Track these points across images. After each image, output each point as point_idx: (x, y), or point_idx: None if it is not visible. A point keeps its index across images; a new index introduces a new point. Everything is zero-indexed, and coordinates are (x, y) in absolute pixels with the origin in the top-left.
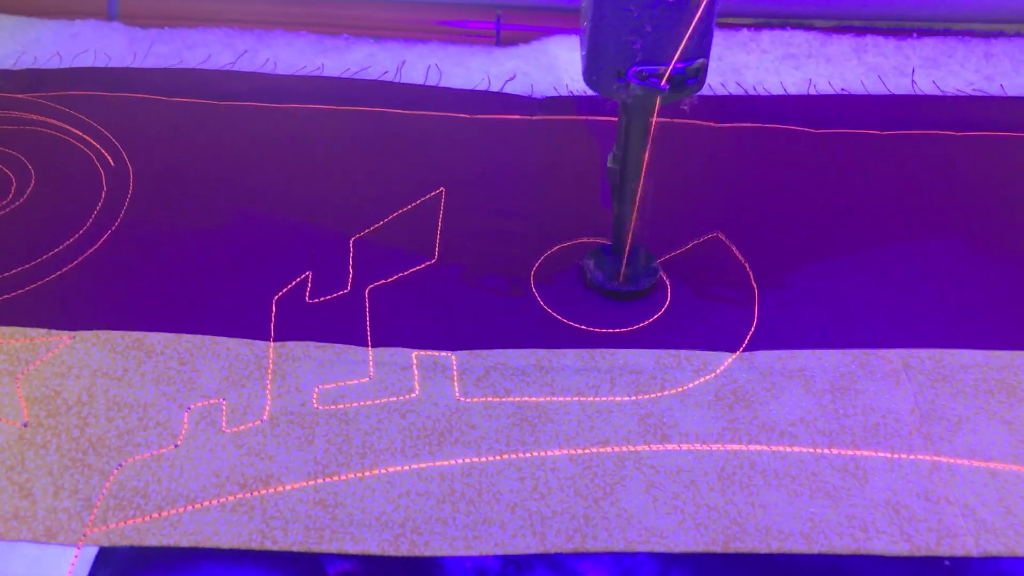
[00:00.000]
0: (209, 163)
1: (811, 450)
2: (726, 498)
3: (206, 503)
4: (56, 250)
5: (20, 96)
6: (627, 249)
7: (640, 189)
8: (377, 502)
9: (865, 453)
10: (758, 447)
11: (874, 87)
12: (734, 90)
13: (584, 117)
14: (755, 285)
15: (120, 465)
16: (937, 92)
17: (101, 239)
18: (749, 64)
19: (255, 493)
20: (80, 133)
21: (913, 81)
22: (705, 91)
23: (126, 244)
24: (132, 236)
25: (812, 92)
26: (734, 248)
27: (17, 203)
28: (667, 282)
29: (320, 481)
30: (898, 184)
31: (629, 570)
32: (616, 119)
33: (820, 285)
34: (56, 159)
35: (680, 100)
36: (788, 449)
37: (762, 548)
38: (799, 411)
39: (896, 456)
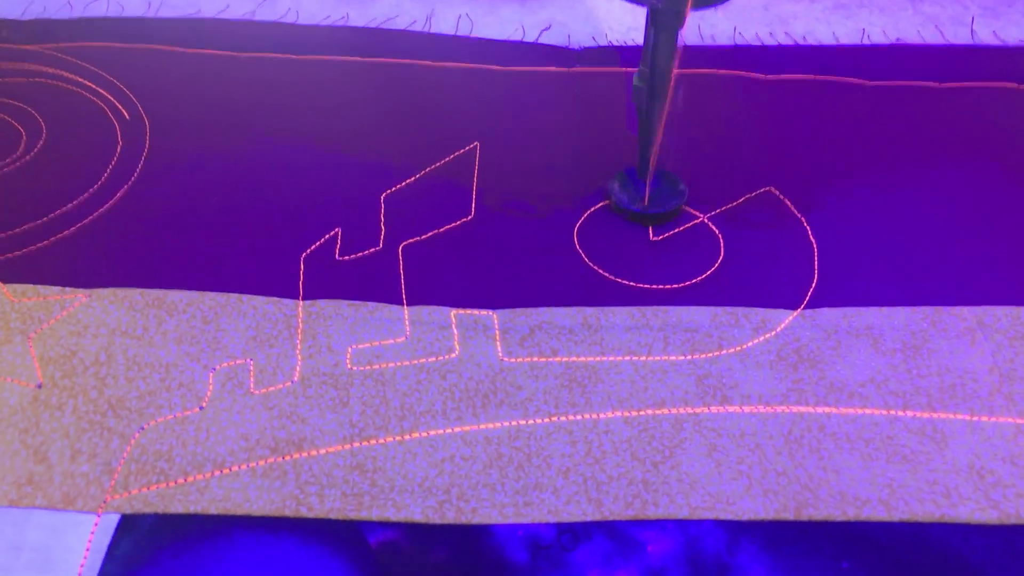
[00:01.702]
0: (228, 117)
1: (884, 412)
2: (795, 463)
3: (235, 468)
4: (70, 205)
5: (29, 47)
6: (652, 171)
7: (667, 108)
8: (419, 467)
9: (943, 415)
10: (827, 409)
11: (931, 37)
12: (783, 40)
13: (625, 69)
14: (813, 240)
15: (142, 428)
16: (998, 42)
17: (118, 194)
18: (798, 13)
19: (287, 457)
20: (93, 85)
21: (972, 31)
22: (752, 41)
23: (144, 199)
24: (150, 191)
25: (865, 43)
26: (788, 202)
27: (27, 157)
28: (719, 236)
29: (357, 444)
30: (959, 138)
31: (695, 539)
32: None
33: (882, 241)
34: (68, 112)
35: (712, 4)
36: (859, 411)
37: (838, 515)
38: (869, 371)
39: (977, 418)
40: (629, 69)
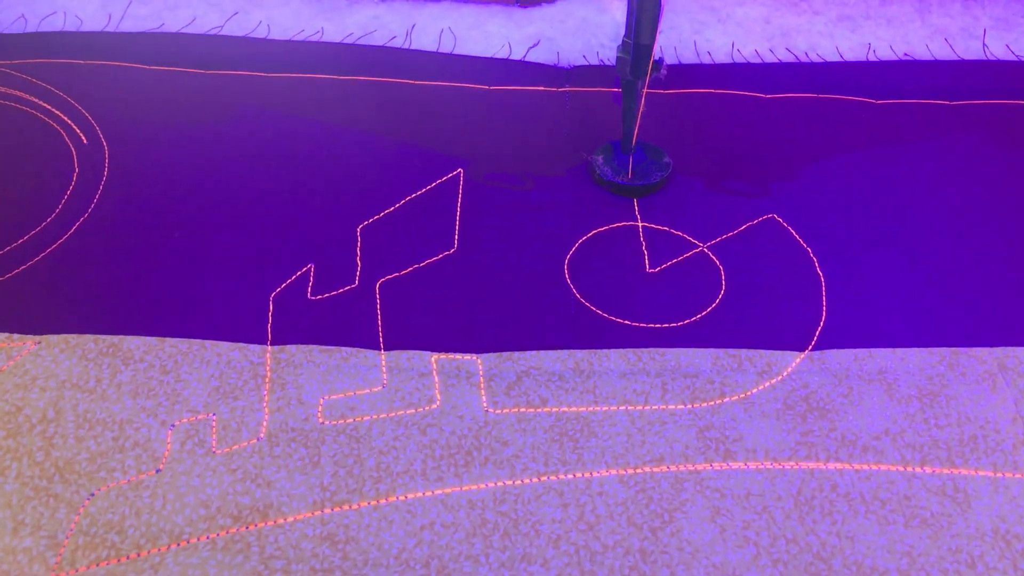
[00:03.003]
0: (194, 141)
1: (901, 468)
2: (806, 528)
3: (193, 540)
4: (19, 241)
5: None
6: (635, 142)
7: (648, 79)
8: (396, 536)
9: (964, 472)
10: (839, 465)
11: (941, 52)
12: (784, 56)
13: (618, 89)
14: (820, 273)
15: (92, 495)
16: (1012, 56)
17: (71, 228)
18: (800, 27)
19: (251, 527)
20: (48, 106)
21: (984, 44)
22: (751, 58)
23: (100, 234)
24: (107, 225)
25: (872, 58)
26: (792, 230)
27: None
28: (720, 267)
29: (328, 511)
30: (974, 160)
31: None
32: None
33: (895, 275)
34: (20, 136)
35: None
36: (874, 467)
37: None
38: (883, 421)
39: (1001, 475)
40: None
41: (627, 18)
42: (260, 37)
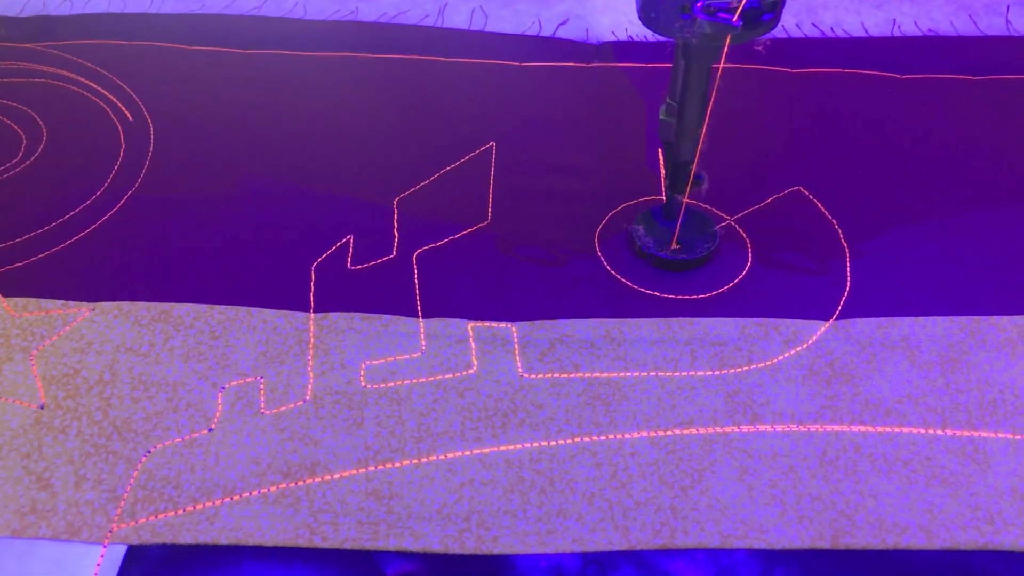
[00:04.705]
0: (236, 117)
1: (923, 431)
2: (831, 487)
3: (246, 495)
4: (72, 213)
5: (28, 46)
6: (681, 213)
7: (700, 146)
8: (437, 492)
9: (984, 434)
10: (863, 428)
11: (965, 28)
12: (810, 32)
13: (646, 64)
14: (845, 245)
15: (148, 452)
16: None
17: (121, 201)
18: (827, 3)
19: (300, 483)
20: (95, 85)
21: (1008, 20)
22: (778, 33)
23: (148, 206)
24: (155, 197)
25: (896, 34)
26: (819, 204)
27: (27, 162)
28: (747, 239)
29: (372, 469)
30: (996, 135)
31: (727, 569)
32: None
33: (917, 245)
34: (69, 114)
35: (752, 40)
36: (897, 430)
37: (877, 544)
38: (906, 386)
39: (1020, 437)
40: (650, 64)
41: (671, 79)
42: (297, 17)
